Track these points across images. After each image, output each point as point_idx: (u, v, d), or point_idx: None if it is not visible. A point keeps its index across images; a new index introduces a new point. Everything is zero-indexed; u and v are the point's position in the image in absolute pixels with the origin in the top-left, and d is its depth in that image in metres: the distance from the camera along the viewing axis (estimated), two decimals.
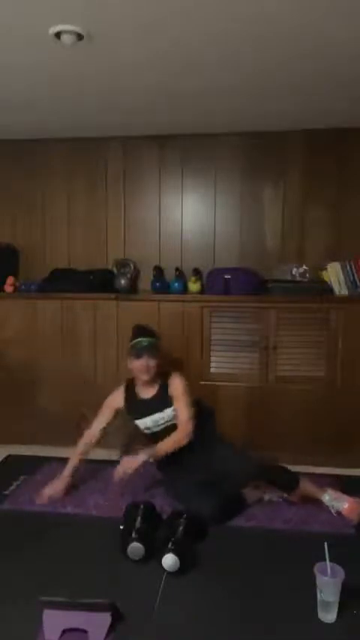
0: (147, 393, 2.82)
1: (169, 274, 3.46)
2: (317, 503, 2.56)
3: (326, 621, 1.79)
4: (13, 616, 1.83)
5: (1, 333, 3.46)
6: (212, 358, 3.30)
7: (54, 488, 2.68)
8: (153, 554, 2.11)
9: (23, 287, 3.53)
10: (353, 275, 3.20)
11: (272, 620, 1.82)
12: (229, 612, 1.86)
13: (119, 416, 2.84)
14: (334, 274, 3.22)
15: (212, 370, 3.29)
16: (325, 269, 3.26)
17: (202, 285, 3.41)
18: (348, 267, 3.21)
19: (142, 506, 2.34)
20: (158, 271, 3.45)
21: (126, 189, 3.65)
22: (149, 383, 2.80)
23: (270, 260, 3.51)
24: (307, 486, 2.56)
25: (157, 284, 3.43)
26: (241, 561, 2.17)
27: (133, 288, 3.51)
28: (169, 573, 2.03)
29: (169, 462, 2.75)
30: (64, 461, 3.18)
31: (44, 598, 1.79)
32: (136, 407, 2.80)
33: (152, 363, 2.74)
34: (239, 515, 2.52)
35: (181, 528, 2.19)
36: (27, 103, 2.89)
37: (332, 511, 2.49)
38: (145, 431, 2.79)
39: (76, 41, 2.05)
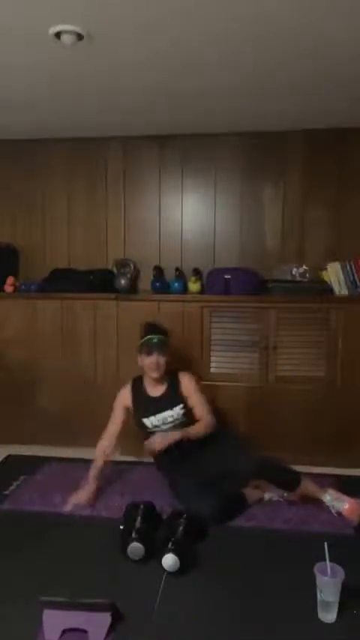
0: (156, 391, 2.82)
1: (169, 274, 3.46)
2: (317, 503, 2.55)
3: (326, 621, 1.79)
4: (13, 616, 1.83)
5: (1, 333, 3.46)
6: (212, 358, 3.30)
7: (80, 498, 2.63)
8: (153, 554, 2.11)
9: (23, 287, 3.53)
10: (353, 275, 3.20)
11: (272, 620, 1.82)
12: (229, 612, 1.86)
13: (130, 414, 2.84)
14: (334, 274, 3.22)
15: (212, 370, 3.29)
16: (325, 269, 3.26)
17: (202, 285, 3.41)
18: (348, 267, 3.21)
19: (142, 506, 2.34)
20: (158, 271, 3.45)
21: (126, 189, 3.65)
22: (158, 381, 2.81)
23: (270, 260, 3.51)
24: (308, 486, 2.56)
25: (157, 284, 3.43)
26: (241, 561, 2.17)
27: (133, 288, 3.51)
28: (169, 573, 2.03)
29: (169, 462, 2.75)
30: (64, 461, 3.20)
31: (44, 598, 1.79)
32: (145, 405, 2.80)
33: (162, 360, 2.76)
34: (239, 515, 2.52)
35: (181, 528, 2.19)
36: (27, 103, 2.89)
37: (333, 511, 2.49)
38: (153, 429, 2.77)
39: (76, 41, 2.05)
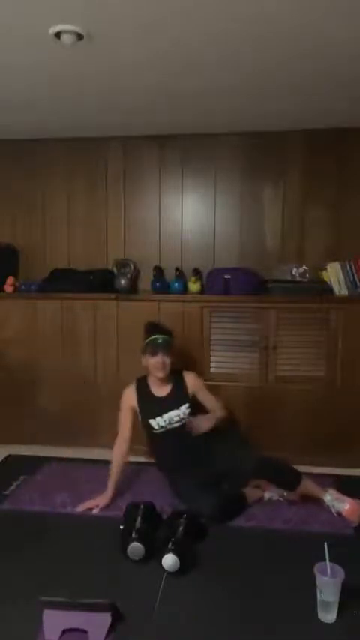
0: (161, 391, 2.82)
1: (169, 274, 3.46)
2: (318, 502, 2.56)
3: (326, 621, 1.79)
4: (13, 616, 1.83)
5: (1, 333, 3.46)
6: (212, 358, 3.30)
7: (97, 503, 2.60)
8: (153, 554, 2.11)
9: (23, 287, 3.53)
10: (353, 275, 3.20)
11: (272, 620, 1.82)
12: (229, 612, 1.86)
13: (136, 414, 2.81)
14: (334, 274, 3.22)
15: (212, 370, 3.29)
16: (325, 269, 3.26)
17: (202, 285, 3.41)
18: (348, 267, 3.21)
19: (142, 506, 2.35)
20: (158, 271, 3.45)
21: (126, 189, 3.65)
22: (163, 381, 2.80)
23: (270, 260, 3.51)
24: (308, 485, 2.56)
25: (157, 284, 3.43)
26: (241, 561, 2.17)
27: (133, 288, 3.51)
28: (169, 573, 2.03)
29: (170, 462, 2.75)
30: (64, 461, 3.20)
31: (44, 598, 1.79)
32: (152, 405, 2.79)
33: (168, 360, 2.76)
34: (239, 515, 2.52)
35: (181, 528, 2.20)
36: (27, 103, 2.89)
37: (333, 511, 2.49)
38: (158, 430, 2.77)
39: (76, 41, 2.05)
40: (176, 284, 3.41)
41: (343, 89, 2.64)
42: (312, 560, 1.85)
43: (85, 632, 1.73)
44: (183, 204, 3.61)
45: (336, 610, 1.79)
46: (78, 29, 1.98)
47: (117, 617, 1.77)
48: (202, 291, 3.39)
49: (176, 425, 2.76)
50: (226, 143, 3.51)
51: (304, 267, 3.33)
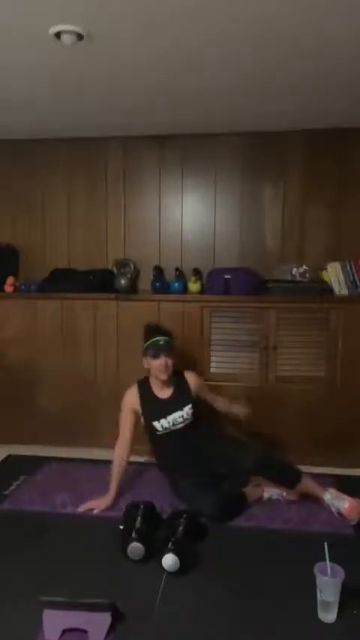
0: (164, 393, 2.81)
1: (169, 274, 3.46)
2: (317, 502, 2.56)
3: (326, 621, 1.79)
4: (13, 616, 1.83)
5: (1, 333, 3.46)
6: (212, 358, 3.30)
7: (98, 504, 2.59)
8: (153, 554, 2.11)
9: (23, 287, 3.53)
10: (353, 275, 3.20)
11: (272, 620, 1.82)
12: (229, 612, 1.86)
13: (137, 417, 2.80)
14: (334, 274, 3.22)
15: (212, 370, 3.29)
16: (325, 269, 3.26)
17: (202, 285, 3.41)
18: (348, 267, 3.21)
19: (142, 506, 2.35)
20: (158, 271, 3.45)
21: (126, 189, 3.65)
22: (165, 382, 2.79)
23: (270, 260, 3.51)
24: (308, 484, 2.57)
25: (157, 284, 3.43)
26: (241, 561, 2.17)
27: (133, 288, 3.51)
28: (169, 573, 2.03)
29: (172, 462, 2.75)
30: (64, 461, 3.20)
31: (44, 598, 1.79)
32: (155, 408, 2.77)
33: (170, 361, 2.75)
34: (239, 515, 2.52)
35: (181, 528, 2.20)
36: (27, 103, 2.89)
37: (333, 510, 2.50)
38: (161, 432, 2.76)
39: (76, 41, 2.05)
40: (176, 284, 3.41)
41: (343, 89, 2.64)
42: (312, 560, 1.85)
43: (85, 632, 1.73)
44: (183, 204, 3.61)
45: (336, 610, 1.79)
46: (78, 29, 1.98)
47: (117, 617, 1.77)
48: (202, 291, 3.39)
49: (180, 426, 2.75)
50: (226, 143, 3.51)
51: (304, 267, 3.33)
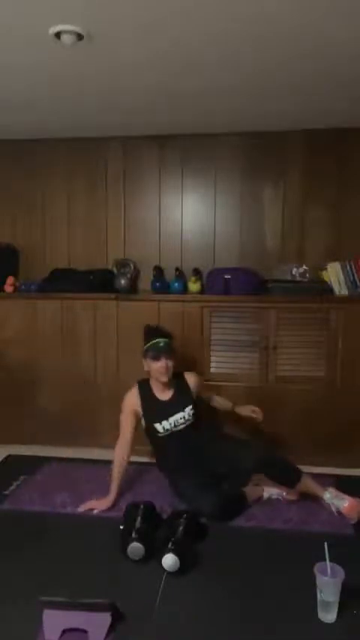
0: (165, 394, 2.80)
1: (169, 274, 3.46)
2: (317, 501, 2.56)
3: (326, 621, 1.79)
4: (13, 616, 1.83)
5: (1, 333, 3.46)
6: (212, 358, 3.30)
7: (99, 505, 2.59)
8: (153, 554, 2.11)
9: (23, 287, 3.53)
10: (353, 275, 3.20)
11: (272, 620, 1.82)
12: (229, 612, 1.86)
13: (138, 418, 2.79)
14: (334, 274, 3.22)
15: (212, 370, 3.29)
16: (325, 269, 3.26)
17: (202, 285, 3.41)
18: (348, 267, 3.21)
19: (142, 506, 2.35)
20: (158, 271, 3.45)
21: (126, 189, 3.65)
22: (166, 384, 2.78)
23: (270, 260, 3.51)
24: (308, 483, 2.57)
25: (157, 284, 3.43)
26: (241, 561, 2.17)
27: (133, 288, 3.51)
28: (169, 573, 2.03)
29: (172, 461, 2.75)
30: (64, 461, 3.20)
31: (44, 598, 1.79)
32: (157, 410, 2.76)
33: (171, 363, 2.74)
34: (240, 515, 2.52)
35: (181, 528, 2.20)
36: (27, 103, 2.89)
37: (332, 509, 2.50)
38: (163, 433, 2.75)
39: (76, 41, 2.05)
40: (176, 284, 3.41)
41: (343, 89, 2.64)
42: (312, 560, 1.85)
43: (85, 632, 1.73)
44: (183, 204, 3.61)
45: (336, 610, 1.79)
46: (78, 29, 1.98)
47: (117, 617, 1.77)
48: (202, 291, 3.39)
49: (181, 427, 2.75)
50: (226, 143, 3.51)
51: (304, 267, 3.33)
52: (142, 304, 3.33)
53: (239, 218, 3.56)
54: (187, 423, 2.76)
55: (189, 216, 3.61)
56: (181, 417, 2.75)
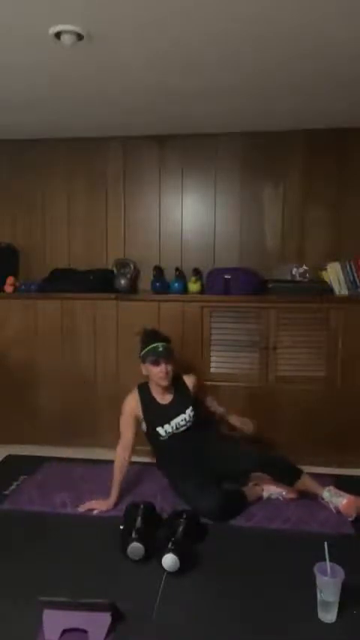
0: (165, 398, 2.79)
1: (169, 274, 3.46)
2: (317, 501, 2.56)
3: (326, 621, 1.79)
4: (13, 616, 1.83)
5: (1, 333, 3.46)
6: (212, 358, 3.30)
7: (99, 506, 2.59)
8: (153, 554, 2.11)
9: (23, 287, 3.53)
10: (353, 275, 3.20)
11: (272, 620, 1.82)
12: (229, 612, 1.86)
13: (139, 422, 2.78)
14: (334, 274, 3.22)
15: (212, 370, 3.29)
16: (325, 269, 3.26)
17: (202, 285, 3.41)
18: (348, 267, 3.21)
19: (142, 506, 2.35)
20: (158, 271, 3.45)
21: (126, 189, 3.65)
22: (166, 388, 2.77)
23: (270, 260, 3.51)
24: (307, 481, 2.58)
25: (157, 284, 3.43)
26: (241, 561, 2.17)
27: (133, 288, 3.51)
28: (169, 573, 2.03)
29: (171, 461, 2.75)
30: (64, 461, 3.20)
31: (44, 598, 1.79)
32: (158, 414, 2.75)
33: (170, 368, 2.72)
34: (239, 515, 2.52)
35: (181, 528, 2.20)
36: (27, 103, 2.89)
37: (331, 507, 2.50)
38: (164, 437, 2.74)
39: (76, 41, 2.05)
40: (176, 284, 3.41)
41: (343, 89, 2.64)
42: (312, 560, 1.85)
43: (85, 632, 1.73)
44: (183, 204, 3.61)
45: (336, 610, 1.79)
46: (78, 29, 1.98)
47: (117, 617, 1.77)
48: (202, 291, 3.39)
49: (182, 429, 2.75)
50: (226, 143, 3.50)
51: (304, 267, 3.33)
52: (142, 304, 3.33)
53: (239, 218, 3.56)
54: (188, 424, 2.76)
55: (189, 216, 3.61)
56: (182, 420, 2.75)
